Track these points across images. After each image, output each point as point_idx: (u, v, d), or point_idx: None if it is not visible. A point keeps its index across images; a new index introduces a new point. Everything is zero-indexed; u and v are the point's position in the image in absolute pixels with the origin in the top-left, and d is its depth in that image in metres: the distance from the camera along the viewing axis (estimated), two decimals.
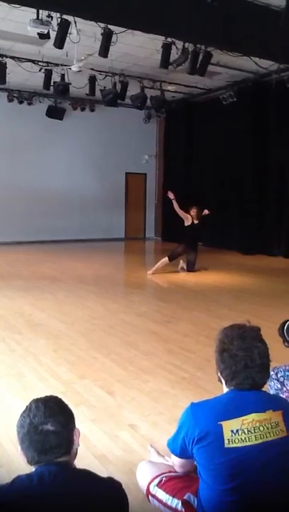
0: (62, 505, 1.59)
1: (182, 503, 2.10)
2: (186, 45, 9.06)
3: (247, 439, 1.86)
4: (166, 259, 10.10)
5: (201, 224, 10.24)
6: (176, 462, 2.18)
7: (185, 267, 10.38)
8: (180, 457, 2.09)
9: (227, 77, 12.63)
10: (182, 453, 2.03)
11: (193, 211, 10.14)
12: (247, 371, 1.95)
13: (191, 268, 10.32)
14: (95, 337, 5.61)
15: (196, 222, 10.12)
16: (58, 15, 7.74)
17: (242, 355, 1.95)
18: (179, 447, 2.02)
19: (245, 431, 1.86)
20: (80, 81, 11.82)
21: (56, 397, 1.80)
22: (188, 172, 15.91)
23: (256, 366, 1.95)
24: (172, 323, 6.29)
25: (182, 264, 10.43)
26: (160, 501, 2.18)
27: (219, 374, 2.04)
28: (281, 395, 2.63)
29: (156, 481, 2.23)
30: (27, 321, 6.24)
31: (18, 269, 10.46)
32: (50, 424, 1.67)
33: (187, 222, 10.12)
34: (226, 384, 2.03)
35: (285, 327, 2.79)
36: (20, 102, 14.39)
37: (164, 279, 9.82)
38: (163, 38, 8.77)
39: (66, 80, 11.70)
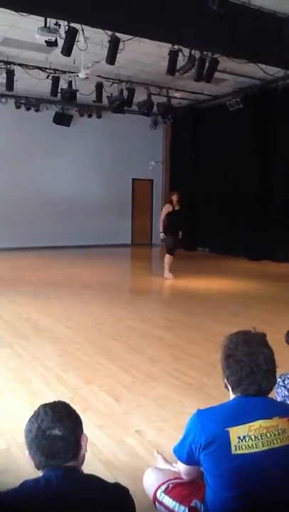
0: (69, 510, 1.60)
1: (189, 510, 2.10)
2: (193, 52, 9.10)
3: (254, 445, 1.86)
4: (168, 256, 10.26)
5: (180, 210, 10.32)
6: (182, 469, 2.17)
7: (168, 274, 10.34)
8: (186, 464, 2.08)
9: (233, 84, 12.67)
10: (189, 459, 2.03)
11: (176, 196, 10.26)
12: (252, 377, 1.95)
13: (170, 252, 10.31)
14: (101, 343, 5.61)
15: (176, 208, 10.24)
16: (66, 23, 7.81)
17: (247, 360, 1.95)
18: (186, 454, 2.02)
19: (252, 437, 1.86)
20: (87, 88, 11.90)
21: (64, 402, 1.81)
22: (195, 178, 15.94)
23: (262, 372, 1.95)
24: (178, 329, 6.29)
25: (166, 272, 10.43)
26: (167, 508, 2.17)
27: (225, 380, 2.04)
28: (288, 402, 2.62)
29: (163, 487, 2.22)
30: (33, 326, 6.26)
31: (25, 275, 10.50)
32: (58, 429, 1.68)
33: (167, 211, 10.22)
34: (232, 390, 2.03)
35: None
36: (28, 109, 14.48)
37: (169, 285, 9.82)
38: (170, 45, 8.82)
39: (73, 87, 11.78)
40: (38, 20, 7.71)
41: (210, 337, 5.80)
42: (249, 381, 1.94)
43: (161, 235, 10.35)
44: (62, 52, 8.32)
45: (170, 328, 6.32)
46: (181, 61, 9.18)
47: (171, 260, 10.28)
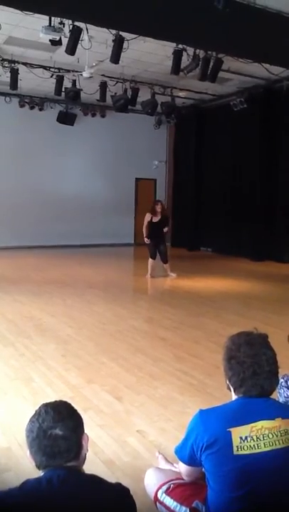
0: (70, 510, 1.59)
1: (190, 511, 2.09)
2: (197, 51, 9.08)
3: (256, 446, 1.85)
4: (150, 260, 10.43)
5: (161, 221, 10.41)
6: (183, 470, 2.16)
7: (171, 274, 10.47)
8: (188, 464, 2.07)
9: (238, 84, 12.65)
10: (190, 460, 2.02)
11: (159, 207, 10.50)
12: (255, 378, 1.94)
13: (164, 259, 10.50)
14: (104, 342, 5.61)
15: (155, 220, 10.37)
16: (70, 22, 7.80)
17: (250, 362, 1.94)
18: (188, 454, 2.01)
19: (254, 438, 1.85)
20: (91, 87, 11.89)
21: (65, 402, 1.80)
22: (198, 178, 15.92)
23: (264, 373, 1.94)
24: (181, 330, 6.28)
25: (169, 272, 10.51)
26: (168, 508, 2.16)
27: (227, 381, 2.04)
28: None
29: (164, 487, 2.22)
30: (36, 325, 6.26)
31: (28, 274, 10.51)
32: (59, 428, 1.67)
33: (147, 221, 10.44)
34: (234, 391, 2.02)
35: None
36: (32, 108, 14.49)
37: (172, 285, 9.82)
38: (174, 44, 8.81)
39: (77, 86, 11.78)
40: (42, 19, 7.71)
41: (213, 337, 5.79)
42: (252, 382, 1.94)
43: (146, 240, 10.55)
44: (66, 51, 8.31)
45: (173, 329, 6.31)
46: (185, 61, 9.16)
47: (153, 264, 10.42)
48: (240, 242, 13.90)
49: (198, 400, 3.97)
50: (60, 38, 8.02)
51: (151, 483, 2.29)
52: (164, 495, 2.20)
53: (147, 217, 10.45)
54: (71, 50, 8.19)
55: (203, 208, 15.72)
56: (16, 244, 14.42)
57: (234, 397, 2.02)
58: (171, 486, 2.22)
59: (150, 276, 10.27)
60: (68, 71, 11.41)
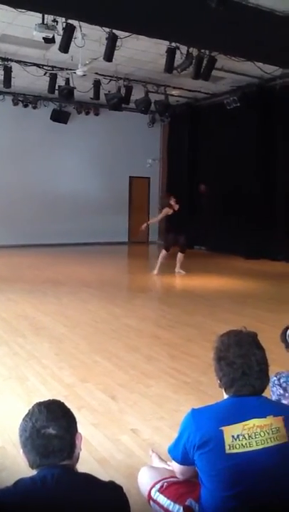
0: (64, 509, 1.60)
1: (184, 509, 2.10)
2: (191, 49, 9.09)
3: (248, 444, 1.85)
4: (163, 252, 10.44)
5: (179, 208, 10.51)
6: (176, 469, 2.16)
7: (180, 270, 10.51)
8: (181, 463, 2.08)
9: (231, 82, 12.66)
10: (183, 459, 2.03)
11: (173, 200, 10.50)
12: (245, 378, 1.94)
13: (182, 249, 10.63)
14: (98, 341, 5.61)
15: (176, 209, 10.47)
16: (63, 19, 7.79)
17: (239, 362, 1.95)
18: (180, 453, 2.01)
19: (246, 436, 1.86)
20: (84, 85, 11.88)
21: (59, 401, 1.81)
22: (192, 176, 15.91)
23: (254, 373, 1.95)
24: (175, 328, 6.28)
25: (178, 268, 10.52)
26: (161, 506, 2.17)
27: (218, 381, 2.05)
28: (284, 401, 2.62)
29: (158, 486, 2.22)
30: (30, 324, 6.25)
31: (22, 273, 10.48)
32: (52, 427, 1.68)
33: (168, 213, 10.54)
34: (225, 391, 2.03)
35: (287, 332, 2.79)
36: (25, 106, 14.47)
37: (167, 283, 9.83)
38: (167, 42, 8.81)
39: (71, 84, 11.78)
40: (35, 17, 7.69)
41: (207, 336, 5.78)
42: (242, 383, 1.95)
43: (144, 226, 11.16)
44: (59, 49, 8.29)
45: (167, 327, 6.32)
46: (178, 59, 9.16)
47: (164, 257, 10.39)
48: (235, 241, 13.90)
49: (192, 398, 3.98)
50: (54, 36, 8.00)
51: (145, 481, 2.30)
52: (157, 493, 2.20)
53: (168, 211, 10.48)
54: (64, 48, 8.17)
55: (196, 206, 15.71)
56: (10, 242, 14.39)
57: (225, 396, 2.03)
58: (165, 484, 2.22)
59: (157, 273, 10.21)
60: (62, 69, 11.40)
